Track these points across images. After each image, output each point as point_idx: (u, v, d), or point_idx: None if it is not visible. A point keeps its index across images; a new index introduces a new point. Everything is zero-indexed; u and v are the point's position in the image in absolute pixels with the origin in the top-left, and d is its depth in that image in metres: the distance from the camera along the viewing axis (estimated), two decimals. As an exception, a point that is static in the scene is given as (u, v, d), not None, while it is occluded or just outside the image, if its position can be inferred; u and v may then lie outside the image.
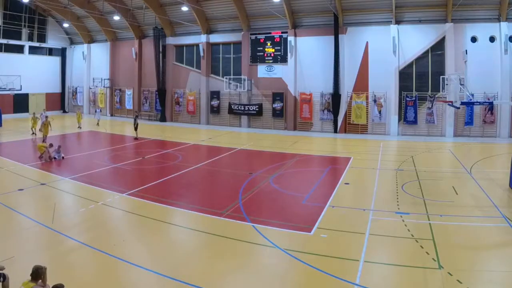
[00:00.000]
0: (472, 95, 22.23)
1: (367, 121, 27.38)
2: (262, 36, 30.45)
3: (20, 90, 33.96)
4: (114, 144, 21.97)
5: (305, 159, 18.86)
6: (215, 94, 32.53)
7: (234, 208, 11.06)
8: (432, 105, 25.27)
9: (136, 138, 24.03)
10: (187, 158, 18.84)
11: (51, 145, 17.81)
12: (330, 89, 27.93)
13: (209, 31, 32.87)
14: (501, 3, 23.64)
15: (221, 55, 32.90)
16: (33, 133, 24.84)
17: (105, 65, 39.00)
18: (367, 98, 27.22)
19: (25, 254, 7.83)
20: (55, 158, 17.31)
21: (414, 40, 25.85)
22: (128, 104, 37.54)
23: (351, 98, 27.66)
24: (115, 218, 10.72)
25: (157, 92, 34.82)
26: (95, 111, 33.31)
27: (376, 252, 8.33)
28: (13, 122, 31.98)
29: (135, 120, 24.81)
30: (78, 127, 28.85)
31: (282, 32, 29.69)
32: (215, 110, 32.82)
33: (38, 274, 5.36)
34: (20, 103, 36.91)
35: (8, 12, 35.09)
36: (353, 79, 27.55)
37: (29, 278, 5.57)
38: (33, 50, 38.53)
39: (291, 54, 29.20)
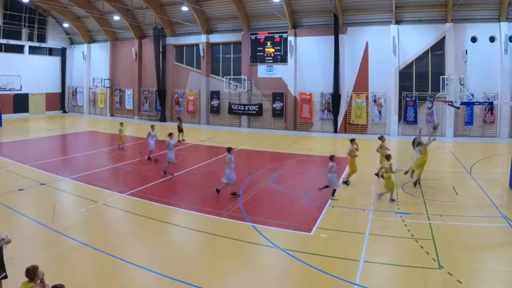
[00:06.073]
0: (472, 95, 22.22)
1: (367, 121, 27.37)
2: (262, 36, 30.44)
3: (20, 90, 34.01)
4: (114, 144, 21.90)
5: (305, 159, 18.86)
6: (215, 94, 32.52)
7: (234, 208, 11.06)
8: (432, 105, 25.25)
9: (182, 141, 23.07)
10: (187, 158, 18.83)
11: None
12: (330, 89, 27.91)
13: (209, 31, 32.85)
14: (501, 3, 23.63)
15: (221, 55, 32.88)
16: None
17: (105, 65, 38.96)
18: (367, 98, 27.20)
19: (25, 254, 7.82)
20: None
21: (414, 40, 25.83)
22: (128, 104, 37.55)
23: (351, 98, 27.64)
24: (115, 218, 10.73)
25: (157, 92, 34.79)
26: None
27: (376, 252, 8.33)
28: (13, 122, 31.95)
29: (180, 121, 24.26)
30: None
31: (282, 32, 29.69)
32: (215, 110, 32.81)
33: (31, 275, 5.28)
34: (20, 103, 36.90)
35: (8, 12, 35.08)
36: (353, 79, 27.53)
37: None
38: (33, 50, 38.50)
39: (291, 54, 29.18)
